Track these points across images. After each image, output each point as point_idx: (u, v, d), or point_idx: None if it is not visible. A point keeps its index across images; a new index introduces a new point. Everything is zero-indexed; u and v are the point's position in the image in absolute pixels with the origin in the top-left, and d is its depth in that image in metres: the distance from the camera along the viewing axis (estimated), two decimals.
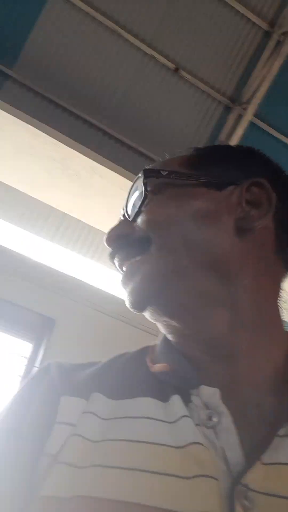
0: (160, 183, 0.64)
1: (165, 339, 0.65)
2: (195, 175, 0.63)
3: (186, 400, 0.55)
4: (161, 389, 0.58)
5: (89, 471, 0.49)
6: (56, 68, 1.84)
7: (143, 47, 2.15)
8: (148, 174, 0.65)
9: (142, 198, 0.63)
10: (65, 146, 1.83)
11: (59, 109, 1.87)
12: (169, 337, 0.63)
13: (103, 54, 1.96)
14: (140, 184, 0.65)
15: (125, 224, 0.64)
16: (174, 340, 0.63)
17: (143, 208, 0.63)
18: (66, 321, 2.19)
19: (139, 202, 0.63)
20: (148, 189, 0.64)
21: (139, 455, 0.50)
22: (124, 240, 0.63)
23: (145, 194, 0.63)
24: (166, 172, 0.64)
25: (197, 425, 0.52)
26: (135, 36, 2.10)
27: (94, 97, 1.94)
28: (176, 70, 2.24)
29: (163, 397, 0.56)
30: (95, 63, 1.94)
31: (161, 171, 0.65)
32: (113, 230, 0.65)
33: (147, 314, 0.63)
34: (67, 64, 1.85)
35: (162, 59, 2.22)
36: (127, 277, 0.62)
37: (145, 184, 0.64)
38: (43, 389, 0.62)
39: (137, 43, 2.12)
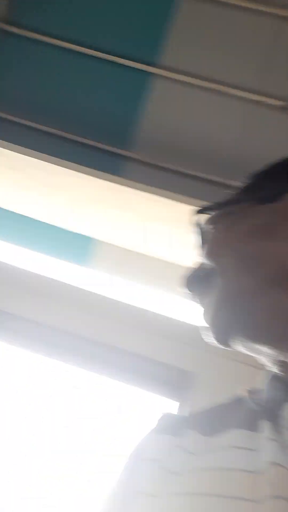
0: (214, 217, 0.67)
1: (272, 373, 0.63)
2: (244, 197, 0.64)
3: (276, 425, 0.53)
4: (253, 419, 0.56)
5: (162, 499, 0.51)
6: (168, 139, 1.96)
7: (247, 95, 2.18)
8: (198, 212, 0.68)
9: (199, 236, 0.67)
10: (188, 206, 1.92)
11: (177, 175, 1.98)
12: (274, 370, 0.62)
13: (211, 115, 2.03)
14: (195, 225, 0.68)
15: (197, 266, 0.67)
16: (277, 371, 0.62)
17: (204, 245, 0.66)
18: (206, 375, 2.18)
19: (200, 241, 0.66)
20: (204, 226, 0.66)
21: (211, 481, 0.50)
22: (196, 279, 0.65)
23: (199, 231, 0.67)
24: (213, 204, 0.67)
25: (284, 448, 0.49)
26: (237, 88, 2.15)
27: (207, 155, 2.01)
28: (285, 107, 2.21)
29: (254, 427, 0.55)
30: (204, 125, 2.02)
31: (209, 205, 0.68)
32: (185, 274, 0.68)
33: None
34: (178, 133, 1.97)
35: (269, 100, 2.21)
36: (204, 314, 0.63)
37: (196, 223, 0.68)
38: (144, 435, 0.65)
39: (240, 93, 2.16)
